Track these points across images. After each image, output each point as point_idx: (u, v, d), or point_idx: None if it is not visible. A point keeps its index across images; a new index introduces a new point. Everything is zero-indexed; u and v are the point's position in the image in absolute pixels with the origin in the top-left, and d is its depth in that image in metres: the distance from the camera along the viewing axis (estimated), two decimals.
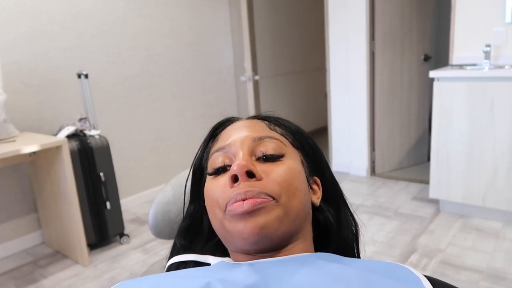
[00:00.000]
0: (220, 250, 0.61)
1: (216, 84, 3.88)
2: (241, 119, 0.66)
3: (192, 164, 0.66)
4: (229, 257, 0.58)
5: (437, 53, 4.38)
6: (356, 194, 3.14)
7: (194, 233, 0.64)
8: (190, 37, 3.55)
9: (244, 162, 0.51)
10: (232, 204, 0.50)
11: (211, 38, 3.76)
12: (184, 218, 0.67)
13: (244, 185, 0.50)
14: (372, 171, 3.58)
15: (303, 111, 5.20)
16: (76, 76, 2.71)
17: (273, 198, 0.51)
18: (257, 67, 3.62)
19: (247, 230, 0.49)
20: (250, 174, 0.52)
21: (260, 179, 0.52)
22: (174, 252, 0.64)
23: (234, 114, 3.98)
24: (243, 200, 0.50)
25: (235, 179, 0.52)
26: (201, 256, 0.59)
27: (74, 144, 2.34)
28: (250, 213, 0.49)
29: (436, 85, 2.52)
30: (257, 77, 3.54)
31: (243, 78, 3.54)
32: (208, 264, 0.57)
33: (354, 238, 0.65)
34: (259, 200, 0.49)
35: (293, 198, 0.52)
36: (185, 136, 3.63)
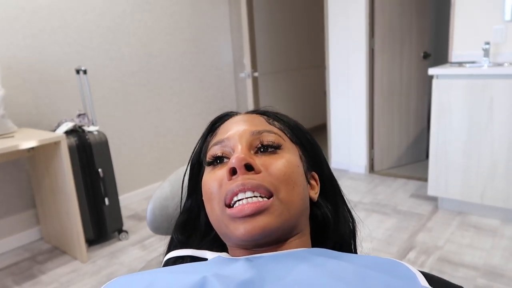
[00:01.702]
0: (217, 245, 0.61)
1: (215, 81, 3.87)
2: (240, 113, 0.66)
3: (190, 158, 0.66)
4: (226, 252, 0.58)
5: (436, 51, 4.38)
6: (354, 191, 3.14)
7: (191, 228, 0.64)
8: (190, 33, 3.54)
9: (243, 155, 0.51)
10: (230, 201, 0.50)
11: (211, 35, 3.75)
12: (181, 213, 0.67)
13: (242, 178, 0.50)
14: (371, 168, 3.58)
15: (303, 108, 5.20)
16: (75, 72, 2.70)
17: (271, 193, 0.51)
18: (257, 64, 3.61)
19: (247, 232, 0.48)
20: (249, 167, 0.52)
21: (258, 172, 0.52)
22: (171, 247, 0.64)
23: (233, 110, 3.97)
24: (241, 190, 0.49)
25: (233, 172, 0.52)
26: (198, 251, 0.59)
27: (73, 140, 2.34)
28: (252, 215, 0.49)
29: (435, 83, 2.52)
30: (256, 74, 3.53)
31: (242, 75, 3.53)
32: (205, 259, 0.57)
33: (352, 234, 0.65)
34: (260, 203, 0.49)
35: (292, 191, 0.52)
36: (184, 133, 3.62)
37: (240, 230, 0.49)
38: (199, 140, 0.66)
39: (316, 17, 4.90)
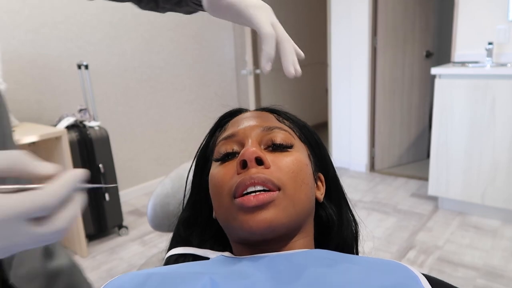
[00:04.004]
0: (219, 244, 0.61)
1: (217, 77, 3.86)
2: (249, 110, 0.66)
3: (196, 153, 0.66)
4: (228, 250, 0.58)
5: (439, 50, 4.37)
6: (355, 190, 3.14)
7: (194, 225, 0.64)
8: (192, 29, 3.54)
9: (254, 149, 0.51)
10: (240, 195, 0.50)
11: (213, 31, 3.74)
12: (184, 209, 0.67)
13: (252, 172, 0.50)
14: (372, 167, 3.58)
15: (304, 105, 5.19)
16: (76, 67, 2.70)
17: (279, 188, 0.50)
18: (258, 61, 3.60)
19: (254, 225, 0.48)
20: (259, 161, 0.51)
21: (268, 167, 0.52)
22: (173, 243, 0.64)
23: (235, 107, 3.97)
24: (251, 184, 0.49)
25: (243, 165, 0.51)
26: (200, 249, 0.59)
27: (74, 135, 2.34)
28: (259, 206, 0.49)
29: (437, 82, 2.52)
30: (258, 71, 3.52)
31: (244, 72, 3.53)
32: (207, 258, 0.57)
33: (354, 237, 0.65)
34: (267, 196, 0.49)
35: (299, 190, 0.52)
36: (185, 129, 3.62)
37: (249, 223, 0.49)
38: (206, 135, 0.66)
39: (319, 14, 4.88)
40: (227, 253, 0.55)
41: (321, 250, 0.51)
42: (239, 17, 0.55)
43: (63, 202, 0.31)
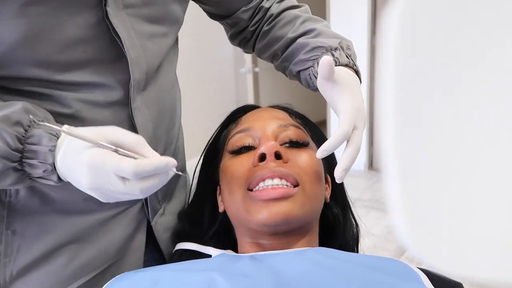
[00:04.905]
0: (222, 241, 0.61)
1: (215, 76, 3.86)
2: (261, 107, 0.67)
3: (206, 147, 0.66)
4: (231, 248, 0.58)
5: None
6: (353, 188, 3.14)
7: (198, 221, 0.64)
8: (190, 27, 3.51)
9: (274, 143, 0.52)
10: (257, 187, 0.50)
11: (211, 29, 3.73)
12: (188, 205, 0.67)
13: (271, 165, 0.51)
14: (370, 165, 3.59)
15: (303, 103, 5.13)
16: None
17: (298, 183, 0.51)
18: (257, 59, 3.60)
19: (270, 216, 0.48)
20: (278, 156, 0.52)
21: (286, 162, 0.52)
22: (178, 239, 0.64)
23: (233, 106, 3.96)
24: (270, 177, 0.49)
25: (261, 158, 0.52)
26: (203, 247, 0.59)
27: None
28: (277, 199, 0.49)
29: None
30: (257, 69, 3.52)
31: (243, 70, 3.52)
32: (209, 256, 0.57)
33: (355, 238, 0.66)
34: (288, 190, 0.49)
35: (317, 187, 0.53)
36: (184, 128, 3.61)
37: (264, 214, 0.49)
38: (217, 129, 0.66)
39: (318, 12, 4.87)
40: (229, 251, 0.55)
41: (325, 248, 0.51)
42: (333, 104, 0.55)
43: (147, 176, 0.38)
